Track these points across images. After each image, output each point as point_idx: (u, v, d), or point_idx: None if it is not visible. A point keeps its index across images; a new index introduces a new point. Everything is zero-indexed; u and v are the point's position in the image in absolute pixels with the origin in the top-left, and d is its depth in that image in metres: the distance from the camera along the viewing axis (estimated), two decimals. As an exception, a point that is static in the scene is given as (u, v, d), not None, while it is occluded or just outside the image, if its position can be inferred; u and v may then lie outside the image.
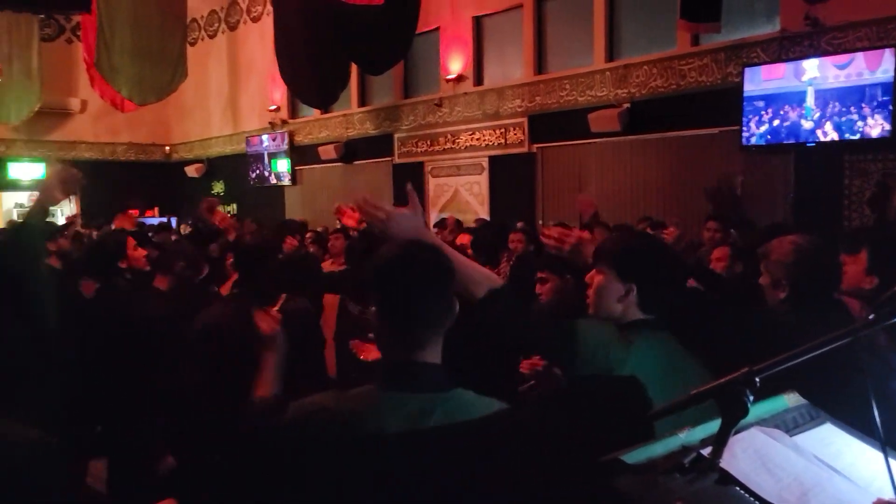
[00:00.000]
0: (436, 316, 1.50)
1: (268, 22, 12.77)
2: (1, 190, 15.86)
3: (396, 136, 11.65)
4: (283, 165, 13.91)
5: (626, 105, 8.54)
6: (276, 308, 3.56)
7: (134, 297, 3.95)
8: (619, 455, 1.07)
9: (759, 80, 7.25)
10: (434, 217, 10.50)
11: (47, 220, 3.71)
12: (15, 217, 15.59)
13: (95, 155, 16.68)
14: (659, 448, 1.10)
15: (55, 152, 16.31)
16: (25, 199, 16.69)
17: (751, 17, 7.75)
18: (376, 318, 1.53)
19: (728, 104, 7.40)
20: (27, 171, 16.09)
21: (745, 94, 7.29)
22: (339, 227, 8.59)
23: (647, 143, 8.48)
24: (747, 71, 7.31)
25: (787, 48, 7.24)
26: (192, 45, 15.15)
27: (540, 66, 9.83)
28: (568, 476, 1.36)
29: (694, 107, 7.96)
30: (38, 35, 14.34)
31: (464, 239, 4.99)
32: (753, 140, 7.32)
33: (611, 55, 8.99)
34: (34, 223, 3.06)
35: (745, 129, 7.32)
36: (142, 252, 4.27)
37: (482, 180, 10.51)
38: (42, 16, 14.37)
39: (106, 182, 15.96)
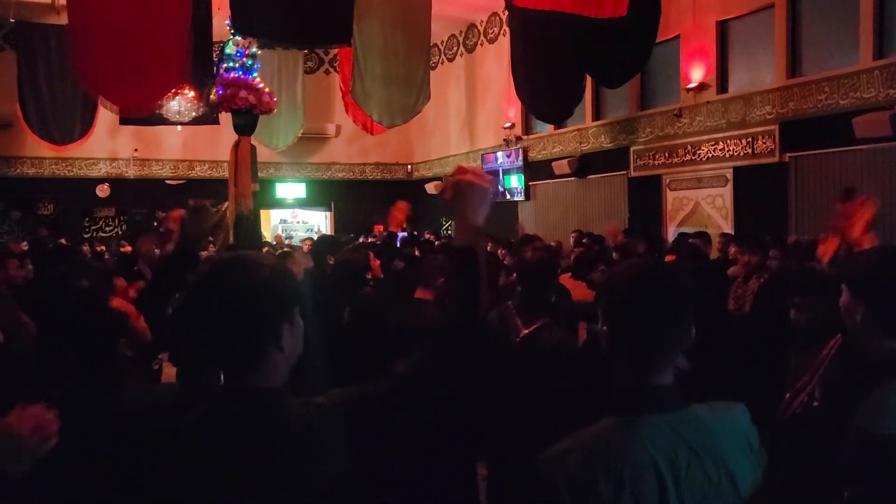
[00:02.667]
0: (676, 339, 1.45)
1: (503, 42, 13.13)
2: (269, 208, 17.80)
3: (633, 149, 11.37)
4: (515, 181, 14.19)
5: (900, 106, 7.61)
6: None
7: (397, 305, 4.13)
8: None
9: None
10: (672, 232, 10.09)
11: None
12: (280, 232, 17.49)
13: (347, 175, 18.35)
14: None
15: (314, 173, 18.11)
16: (288, 215, 18.74)
17: None
18: (610, 341, 1.49)
19: None
20: (291, 190, 18.04)
21: None
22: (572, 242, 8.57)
23: (927, 148, 7.48)
24: None
25: None
26: (433, 68, 15.98)
27: (794, 68, 9.06)
28: None
29: None
30: (303, 68, 16.04)
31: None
32: None
33: (880, 51, 8.05)
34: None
35: None
36: (378, 262, 4.54)
37: (726, 193, 9.90)
38: (305, 51, 16.04)
39: (356, 199, 17.51)
